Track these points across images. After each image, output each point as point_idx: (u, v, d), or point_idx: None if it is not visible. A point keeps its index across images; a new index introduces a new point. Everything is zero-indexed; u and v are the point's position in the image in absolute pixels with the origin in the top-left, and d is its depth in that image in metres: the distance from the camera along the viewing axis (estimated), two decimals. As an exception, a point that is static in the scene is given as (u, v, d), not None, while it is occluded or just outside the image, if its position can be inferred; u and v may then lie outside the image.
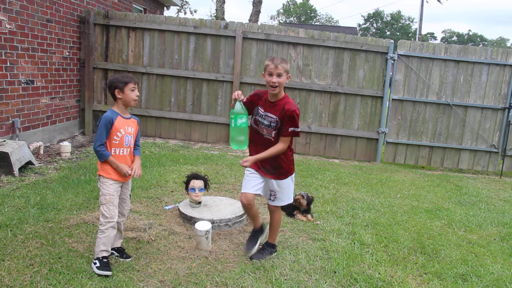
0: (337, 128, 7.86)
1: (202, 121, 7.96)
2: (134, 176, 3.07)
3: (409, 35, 62.41)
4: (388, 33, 65.67)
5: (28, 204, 4.13)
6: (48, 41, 6.68)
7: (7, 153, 4.93)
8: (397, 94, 7.71)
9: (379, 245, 3.82)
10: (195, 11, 66.28)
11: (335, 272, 3.24)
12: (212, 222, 3.79)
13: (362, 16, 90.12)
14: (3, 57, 5.69)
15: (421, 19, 25.13)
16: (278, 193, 3.29)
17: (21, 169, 5.22)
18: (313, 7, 68.17)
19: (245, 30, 7.66)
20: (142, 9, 10.93)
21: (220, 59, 7.81)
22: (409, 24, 67.55)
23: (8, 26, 5.71)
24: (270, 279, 3.07)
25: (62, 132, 7.31)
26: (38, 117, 6.59)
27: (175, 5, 13.72)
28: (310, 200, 4.39)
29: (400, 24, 67.83)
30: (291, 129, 3.06)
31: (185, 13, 33.93)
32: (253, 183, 3.20)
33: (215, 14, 20.20)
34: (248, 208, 3.23)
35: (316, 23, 61.31)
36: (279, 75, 3.01)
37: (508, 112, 7.59)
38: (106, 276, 2.90)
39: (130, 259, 3.19)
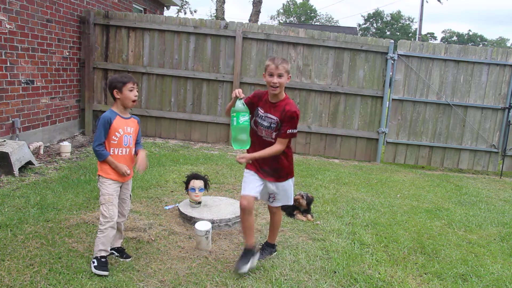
0: (337, 128, 7.86)
1: (202, 121, 7.96)
2: (138, 171, 3.05)
3: (409, 35, 62.41)
4: (388, 33, 65.68)
5: (28, 204, 4.13)
6: (48, 41, 6.68)
7: (7, 153, 4.93)
8: (397, 94, 7.71)
9: (379, 245, 3.82)
10: (195, 11, 66.32)
11: (335, 272, 3.24)
12: (212, 222, 3.79)
13: (362, 16, 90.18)
14: (3, 57, 5.69)
15: (421, 19, 25.14)
16: (277, 195, 3.24)
17: (21, 169, 5.22)
18: (313, 7, 68.18)
19: (245, 30, 7.66)
20: (142, 9, 10.93)
21: (220, 59, 7.81)
22: (409, 24, 67.58)
23: (8, 26, 5.71)
24: (270, 279, 3.07)
25: (62, 132, 7.31)
26: (38, 117, 6.59)
27: (175, 5, 13.72)
28: (310, 200, 4.39)
29: (400, 24, 67.84)
30: (289, 131, 3.01)
31: (185, 13, 33.95)
32: (253, 185, 3.12)
33: (215, 14, 20.21)
34: (247, 212, 3.06)
35: (316, 23, 61.31)
36: (280, 76, 2.96)
37: (508, 112, 7.59)
38: (103, 276, 2.90)
39: (130, 259, 3.20)
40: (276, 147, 3.04)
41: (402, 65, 7.62)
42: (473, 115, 7.69)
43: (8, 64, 5.80)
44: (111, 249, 3.10)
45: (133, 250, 3.36)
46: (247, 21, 15.88)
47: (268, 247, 3.44)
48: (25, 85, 6.21)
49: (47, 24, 6.61)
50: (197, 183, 4.11)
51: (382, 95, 7.71)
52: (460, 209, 5.18)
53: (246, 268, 3.04)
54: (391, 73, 7.69)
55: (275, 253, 3.46)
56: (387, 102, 7.83)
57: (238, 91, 2.94)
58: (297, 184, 5.66)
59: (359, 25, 68.75)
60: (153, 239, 3.57)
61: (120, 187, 3.09)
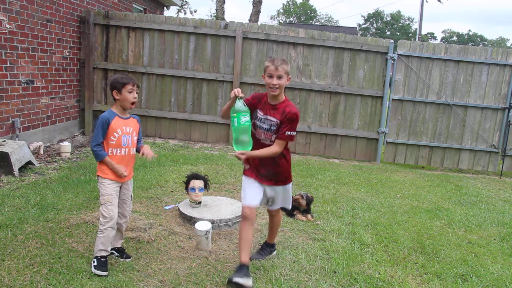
0: (337, 128, 7.86)
1: (202, 121, 7.96)
2: (146, 157, 3.04)
3: (409, 35, 62.41)
4: (388, 33, 65.67)
5: (28, 204, 4.13)
6: (48, 41, 6.68)
7: (7, 153, 4.94)
8: (397, 94, 7.71)
9: (379, 245, 3.82)
10: (195, 11, 66.32)
11: (335, 272, 3.24)
12: (212, 222, 3.79)
13: (362, 16, 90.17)
14: (3, 57, 5.69)
15: (421, 19, 25.14)
16: (276, 199, 3.18)
17: (21, 169, 5.22)
18: (313, 7, 68.17)
19: (245, 30, 7.66)
20: (142, 9, 10.93)
21: (220, 59, 7.81)
22: (409, 24, 67.58)
23: (8, 26, 5.71)
24: (270, 279, 3.07)
25: (62, 132, 7.31)
26: (38, 117, 6.59)
27: (175, 5, 13.72)
28: (309, 200, 4.39)
29: (400, 24, 67.84)
30: (287, 132, 2.93)
31: (185, 13, 33.96)
32: (254, 193, 3.02)
33: (215, 14, 20.21)
34: (249, 223, 2.94)
35: (316, 23, 61.31)
36: (279, 77, 2.89)
37: (508, 112, 7.59)
38: (102, 276, 2.91)
39: (130, 259, 3.20)
40: (274, 148, 2.96)
41: (402, 65, 7.62)
42: (473, 115, 7.69)
43: (8, 64, 5.80)
44: (111, 249, 3.10)
45: (133, 250, 3.36)
46: (247, 21, 15.88)
47: (268, 247, 3.43)
48: (25, 85, 6.21)
49: (47, 24, 6.61)
50: (197, 183, 4.11)
51: (382, 95, 7.71)
52: (460, 209, 5.18)
53: (241, 280, 2.73)
54: (391, 73, 7.69)
55: (275, 252, 3.46)
56: (387, 102, 7.83)
57: (237, 91, 2.86)
58: (297, 184, 5.66)
59: (359, 25, 68.76)
60: (153, 239, 3.57)
61: (120, 188, 3.09)
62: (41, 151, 6.20)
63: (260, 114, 3.02)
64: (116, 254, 3.19)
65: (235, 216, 3.99)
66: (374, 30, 68.52)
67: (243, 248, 2.93)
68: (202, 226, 3.44)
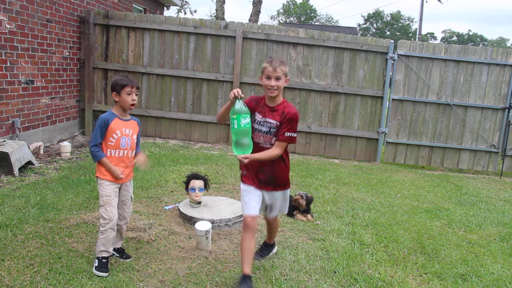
0: (337, 128, 7.86)
1: (202, 121, 7.96)
2: (138, 166, 3.06)
3: (409, 35, 62.41)
4: (388, 33, 65.68)
5: (28, 204, 4.13)
6: (48, 41, 6.68)
7: (7, 153, 4.94)
8: (397, 94, 7.71)
9: (379, 245, 3.82)
10: (195, 11, 66.32)
11: (335, 272, 3.24)
12: (212, 222, 3.79)
13: (362, 16, 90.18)
14: (3, 57, 5.69)
15: (421, 19, 25.14)
16: (274, 206, 3.11)
17: (21, 169, 5.22)
18: (313, 7, 68.18)
19: (245, 30, 7.66)
20: (142, 9, 10.93)
21: (220, 59, 7.81)
22: (409, 24, 67.59)
23: (8, 26, 5.71)
24: (270, 279, 3.07)
25: (62, 132, 7.31)
26: (38, 117, 6.59)
27: (175, 5, 13.72)
28: (309, 200, 4.39)
29: (400, 24, 67.84)
30: (287, 134, 2.85)
31: (185, 13, 33.97)
32: (254, 202, 2.93)
33: (215, 14, 20.21)
34: (251, 233, 2.88)
35: (316, 23, 61.31)
36: (277, 79, 2.82)
37: (508, 112, 7.59)
38: (102, 276, 2.91)
39: (130, 259, 3.20)
40: (275, 151, 2.87)
41: (402, 65, 7.62)
42: (473, 115, 7.69)
43: (8, 64, 5.80)
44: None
45: (133, 250, 3.36)
46: (247, 21, 15.88)
47: (267, 247, 3.43)
48: (25, 85, 6.21)
49: (47, 24, 6.61)
50: (197, 183, 4.11)
51: (382, 95, 7.71)
52: (460, 209, 5.18)
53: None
54: (391, 73, 7.69)
55: (275, 250, 3.45)
56: (387, 102, 7.83)
57: (237, 91, 2.75)
58: (297, 184, 5.66)
59: (359, 25, 68.77)
60: (153, 239, 3.57)
61: (120, 189, 3.08)
62: (41, 151, 6.20)
63: (258, 117, 2.94)
64: (116, 254, 3.19)
65: (235, 216, 3.99)
66: (374, 30, 68.52)
67: (245, 259, 2.86)
68: (202, 226, 3.44)
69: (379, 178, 6.50)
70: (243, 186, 3.02)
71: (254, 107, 2.95)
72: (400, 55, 7.59)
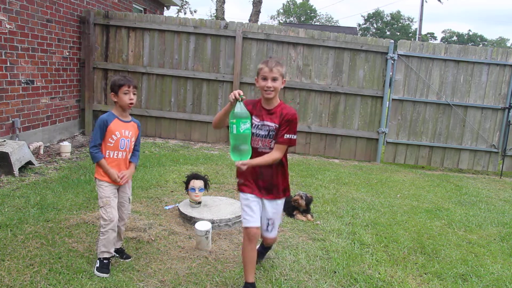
0: (337, 128, 7.86)
1: (202, 121, 7.96)
2: (121, 182, 3.02)
3: (409, 35, 62.41)
4: (388, 33, 65.68)
5: (28, 204, 4.13)
6: (48, 41, 6.68)
7: (7, 153, 4.94)
8: (397, 94, 7.71)
9: (379, 245, 3.82)
10: (195, 11, 66.32)
11: (335, 272, 3.24)
12: (212, 222, 3.79)
13: (362, 16, 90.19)
14: (3, 57, 5.69)
15: (421, 19, 25.14)
16: (274, 219, 2.93)
17: (21, 169, 5.22)
18: (313, 7, 68.19)
19: (245, 30, 7.66)
20: (142, 9, 10.93)
21: (220, 59, 7.81)
22: (409, 24, 67.60)
23: (8, 26, 5.71)
24: (270, 279, 3.07)
25: (62, 132, 7.31)
26: (38, 117, 6.59)
27: (175, 5, 13.72)
28: (309, 200, 4.39)
29: (400, 24, 67.84)
30: (287, 136, 2.72)
31: (185, 13, 33.97)
32: (254, 213, 2.81)
33: (215, 14, 20.21)
34: (253, 245, 2.80)
35: (316, 23, 61.31)
36: (274, 79, 2.68)
37: (508, 112, 7.59)
38: (103, 277, 2.91)
39: (130, 259, 3.20)
40: (274, 155, 2.73)
41: (402, 65, 7.62)
42: (473, 115, 7.69)
43: (8, 64, 5.80)
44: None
45: (133, 250, 3.36)
46: (247, 21, 15.88)
47: (264, 249, 3.27)
48: (25, 85, 6.21)
49: (47, 24, 6.61)
50: (197, 183, 4.11)
51: (382, 95, 7.71)
52: (460, 209, 5.18)
53: None
54: (391, 73, 7.69)
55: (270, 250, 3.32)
56: (387, 102, 7.83)
57: (237, 92, 2.58)
58: (297, 184, 5.66)
59: (359, 25, 68.77)
60: (153, 239, 3.57)
61: (118, 190, 3.07)
62: (41, 151, 6.20)
63: (256, 120, 2.77)
64: (116, 254, 3.19)
65: (235, 216, 3.99)
66: (374, 30, 68.52)
67: (248, 268, 2.83)
68: (202, 226, 3.44)
69: (379, 178, 6.50)
70: (242, 195, 2.85)
71: (251, 110, 2.75)
72: (400, 55, 7.59)
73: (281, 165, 2.84)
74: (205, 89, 7.90)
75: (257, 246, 3.11)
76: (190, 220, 3.93)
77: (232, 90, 7.70)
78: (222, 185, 5.34)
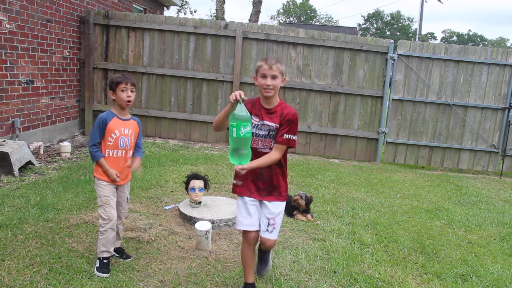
0: (337, 128, 7.86)
1: (202, 121, 7.95)
2: (133, 168, 3.04)
3: (409, 35, 62.42)
4: (388, 33, 65.68)
5: (28, 204, 4.13)
6: (48, 41, 6.68)
7: (7, 153, 4.93)
8: (397, 94, 7.71)
9: (379, 245, 3.82)
10: (195, 11, 66.31)
11: (335, 272, 3.24)
12: (212, 222, 3.79)
13: (362, 16, 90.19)
14: (3, 57, 5.69)
15: (421, 19, 25.14)
16: (276, 219, 2.77)
17: (21, 169, 5.22)
18: (313, 7, 68.18)
19: (245, 30, 7.66)
20: (142, 9, 10.93)
21: (220, 59, 7.81)
22: (409, 24, 67.60)
23: (8, 26, 5.71)
24: (270, 279, 3.07)
25: (62, 132, 7.31)
26: (38, 117, 6.59)
27: (175, 5, 13.72)
28: (308, 200, 4.39)
29: (400, 24, 67.85)
30: (286, 136, 2.63)
31: (185, 13, 33.97)
32: (254, 214, 2.73)
33: (215, 14, 20.21)
34: (253, 248, 2.77)
35: (316, 23, 61.31)
36: (273, 77, 2.59)
37: (508, 112, 7.59)
38: (103, 277, 2.91)
39: (130, 259, 3.20)
40: (274, 155, 2.65)
41: (402, 65, 7.62)
42: (473, 115, 7.69)
43: (8, 64, 5.80)
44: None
45: (133, 250, 3.36)
46: (247, 21, 15.88)
47: (262, 254, 3.02)
48: (25, 85, 6.21)
49: (47, 24, 6.61)
50: (197, 183, 4.11)
51: (382, 95, 7.71)
52: (460, 209, 5.18)
53: None
54: (391, 73, 7.69)
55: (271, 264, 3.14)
56: (387, 102, 7.83)
57: (238, 93, 2.47)
58: (297, 184, 5.66)
59: (359, 25, 68.79)
60: (153, 239, 3.57)
61: (116, 189, 3.07)
62: (41, 151, 6.20)
63: (255, 120, 2.68)
64: (116, 254, 3.19)
65: (235, 216, 3.98)
66: (374, 30, 68.53)
67: (247, 269, 2.82)
68: (202, 226, 3.44)
69: (379, 178, 6.50)
70: (243, 199, 2.77)
71: (250, 109, 2.63)
72: (400, 55, 7.59)
73: (280, 166, 2.76)
74: (205, 89, 7.90)
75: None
76: (190, 220, 3.93)
77: (232, 90, 7.70)
78: (222, 185, 5.34)
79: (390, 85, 7.77)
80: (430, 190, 6.06)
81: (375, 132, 7.81)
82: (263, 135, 2.69)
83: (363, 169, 7.06)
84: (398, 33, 64.37)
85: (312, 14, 67.84)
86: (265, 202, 2.76)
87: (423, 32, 56.66)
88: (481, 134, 7.70)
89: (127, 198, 3.19)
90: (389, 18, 68.28)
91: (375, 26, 69.66)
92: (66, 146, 6.30)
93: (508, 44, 68.16)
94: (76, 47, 7.55)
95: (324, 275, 3.19)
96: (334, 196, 5.24)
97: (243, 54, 7.74)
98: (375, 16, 68.30)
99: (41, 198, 4.31)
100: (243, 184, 2.75)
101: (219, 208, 4.18)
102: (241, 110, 2.47)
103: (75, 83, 7.63)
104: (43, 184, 4.80)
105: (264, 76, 2.61)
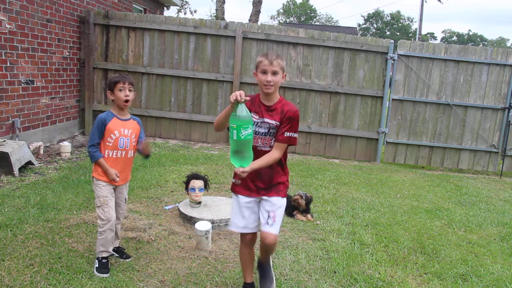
0: (337, 128, 7.86)
1: (202, 121, 7.95)
2: (143, 147, 3.00)
3: (409, 35, 62.41)
4: (388, 33, 65.69)
5: (28, 204, 4.13)
6: (48, 41, 6.68)
7: (7, 153, 4.93)
8: (397, 94, 7.71)
9: (379, 245, 3.82)
10: (195, 11, 66.31)
11: (335, 272, 3.24)
12: (212, 222, 3.79)
13: (362, 16, 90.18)
14: (3, 57, 5.69)
15: (421, 19, 25.14)
16: (276, 212, 2.65)
17: (21, 169, 5.22)
18: (313, 7, 68.19)
19: (245, 30, 7.66)
20: (142, 9, 10.93)
21: (220, 59, 7.81)
22: (409, 24, 67.60)
23: (8, 26, 5.71)
24: (270, 279, 3.06)
25: (62, 132, 7.31)
26: (38, 117, 6.59)
27: (175, 5, 13.72)
28: (308, 200, 4.39)
29: (400, 24, 67.85)
30: (287, 134, 2.56)
31: (185, 13, 33.98)
32: (247, 217, 2.69)
33: (215, 14, 20.21)
34: (251, 247, 2.75)
35: (316, 23, 61.31)
36: (274, 73, 2.50)
37: (508, 112, 7.59)
38: (103, 277, 2.91)
39: (130, 259, 3.19)
40: (274, 154, 2.58)
41: (402, 65, 7.62)
42: (473, 115, 7.69)
43: (8, 64, 5.80)
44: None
45: (133, 250, 3.36)
46: (247, 21, 15.88)
47: (265, 266, 2.87)
48: (25, 85, 6.21)
49: (47, 24, 6.61)
50: (197, 183, 4.11)
51: (382, 95, 7.71)
52: (460, 209, 5.18)
53: None
54: (391, 73, 7.69)
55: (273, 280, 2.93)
56: (387, 102, 7.83)
57: (239, 94, 2.37)
58: (297, 184, 5.66)
59: (359, 25, 68.78)
60: (153, 239, 3.57)
61: (114, 190, 3.07)
62: (41, 151, 6.20)
63: (255, 117, 2.59)
64: (116, 254, 3.19)
65: (235, 216, 3.98)
66: (374, 30, 68.53)
67: (246, 269, 2.82)
68: (202, 226, 3.44)
69: (379, 178, 6.50)
70: (238, 199, 2.73)
71: (249, 107, 2.56)
72: (400, 55, 7.59)
73: (280, 164, 2.69)
74: (205, 89, 7.90)
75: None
76: (190, 220, 3.93)
77: (232, 90, 7.70)
78: (222, 185, 5.34)
79: (390, 85, 7.77)
80: (430, 190, 6.06)
81: (375, 132, 7.81)
82: (263, 133, 2.61)
83: (363, 169, 7.06)
84: (398, 33, 64.37)
85: (312, 14, 67.84)
86: (265, 197, 2.68)
87: (423, 32, 56.66)
88: (481, 134, 7.70)
89: (125, 199, 3.19)
90: (389, 18, 68.29)
91: (375, 26, 69.66)
92: (66, 146, 6.30)
93: (508, 44, 68.19)
94: (76, 47, 7.55)
95: (324, 275, 3.19)
96: (334, 196, 5.24)
97: (243, 54, 7.74)
98: (375, 16, 68.30)
99: (41, 198, 4.31)
100: (242, 183, 2.70)
101: (219, 208, 4.18)
102: (242, 111, 2.39)
103: (75, 83, 7.63)
104: (43, 184, 4.80)
105: (264, 72, 2.53)
